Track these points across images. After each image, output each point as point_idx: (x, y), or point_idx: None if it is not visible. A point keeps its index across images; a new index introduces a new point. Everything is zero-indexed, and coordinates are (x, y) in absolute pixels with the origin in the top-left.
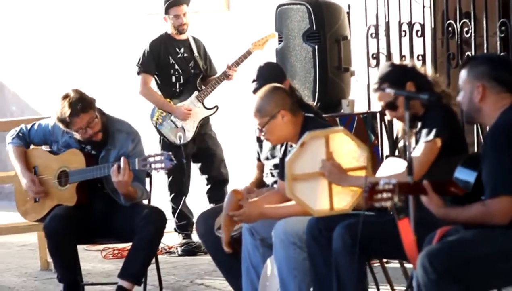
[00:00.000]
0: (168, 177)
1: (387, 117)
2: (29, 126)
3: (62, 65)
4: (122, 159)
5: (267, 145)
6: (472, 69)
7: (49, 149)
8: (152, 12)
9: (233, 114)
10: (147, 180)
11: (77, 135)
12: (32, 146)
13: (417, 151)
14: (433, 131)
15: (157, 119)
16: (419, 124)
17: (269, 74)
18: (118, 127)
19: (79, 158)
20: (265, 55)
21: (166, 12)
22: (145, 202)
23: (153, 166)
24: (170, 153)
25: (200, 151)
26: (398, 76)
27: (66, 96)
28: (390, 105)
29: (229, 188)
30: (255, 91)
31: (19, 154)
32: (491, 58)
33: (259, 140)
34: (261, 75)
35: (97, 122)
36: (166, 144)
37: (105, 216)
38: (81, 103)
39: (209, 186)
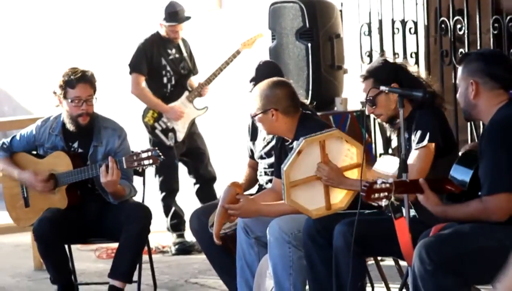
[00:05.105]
0: (159, 177)
1: (366, 110)
2: (9, 139)
3: (54, 65)
4: (109, 158)
5: (260, 144)
6: (466, 66)
7: (34, 153)
8: (141, 13)
9: (221, 114)
10: (140, 179)
11: (68, 108)
12: None
13: (412, 157)
14: (427, 137)
15: (149, 120)
16: (409, 123)
17: (268, 73)
18: (104, 125)
19: (65, 160)
20: (258, 54)
21: (165, 21)
22: (138, 200)
23: (141, 162)
24: (157, 148)
25: (189, 151)
26: (385, 75)
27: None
28: (370, 101)
29: (217, 186)
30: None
31: (9, 163)
32: (484, 54)
33: (252, 139)
34: (259, 74)
35: (92, 105)
36: (156, 144)
37: (97, 216)
38: (92, 77)
39: (198, 185)
